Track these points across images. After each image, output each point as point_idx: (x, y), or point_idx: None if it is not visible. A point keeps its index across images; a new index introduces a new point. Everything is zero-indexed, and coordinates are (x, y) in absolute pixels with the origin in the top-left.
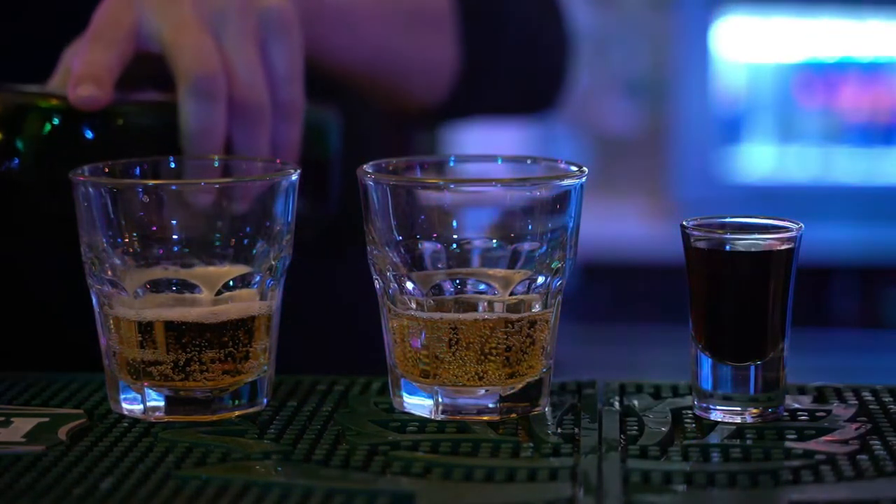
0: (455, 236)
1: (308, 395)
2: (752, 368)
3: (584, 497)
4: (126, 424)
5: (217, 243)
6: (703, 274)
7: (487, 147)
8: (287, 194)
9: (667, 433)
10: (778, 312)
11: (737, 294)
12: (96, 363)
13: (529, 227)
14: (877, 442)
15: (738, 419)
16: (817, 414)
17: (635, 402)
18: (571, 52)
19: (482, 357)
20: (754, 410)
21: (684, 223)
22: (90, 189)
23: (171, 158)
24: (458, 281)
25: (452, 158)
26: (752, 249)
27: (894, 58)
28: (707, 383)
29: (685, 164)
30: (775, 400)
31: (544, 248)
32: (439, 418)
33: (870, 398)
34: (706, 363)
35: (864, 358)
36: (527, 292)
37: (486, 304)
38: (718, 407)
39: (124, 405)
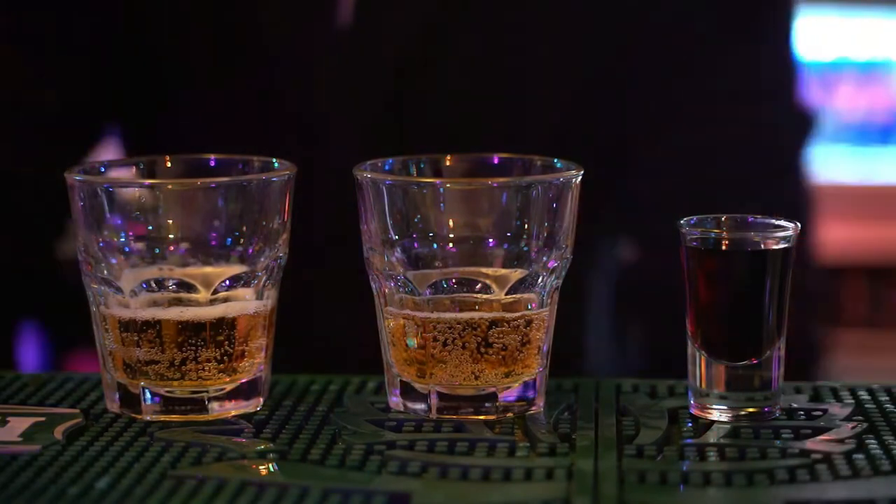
0: (451, 235)
1: (304, 395)
2: (749, 367)
3: (580, 496)
4: (122, 424)
5: (213, 243)
6: (700, 273)
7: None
8: (283, 193)
9: (663, 432)
10: (774, 311)
11: (733, 293)
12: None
13: (526, 225)
14: (873, 441)
15: (734, 418)
16: (813, 413)
17: (632, 402)
18: None
19: (478, 356)
20: (751, 409)
21: (680, 221)
22: (86, 188)
23: (168, 158)
24: (453, 280)
25: (448, 157)
26: (749, 248)
27: (891, 58)
28: (703, 382)
29: None
30: (771, 399)
31: (541, 246)
32: (435, 417)
33: (866, 397)
34: (703, 362)
35: (861, 357)
36: (523, 291)
37: (482, 303)
38: (715, 406)
39: (121, 404)
